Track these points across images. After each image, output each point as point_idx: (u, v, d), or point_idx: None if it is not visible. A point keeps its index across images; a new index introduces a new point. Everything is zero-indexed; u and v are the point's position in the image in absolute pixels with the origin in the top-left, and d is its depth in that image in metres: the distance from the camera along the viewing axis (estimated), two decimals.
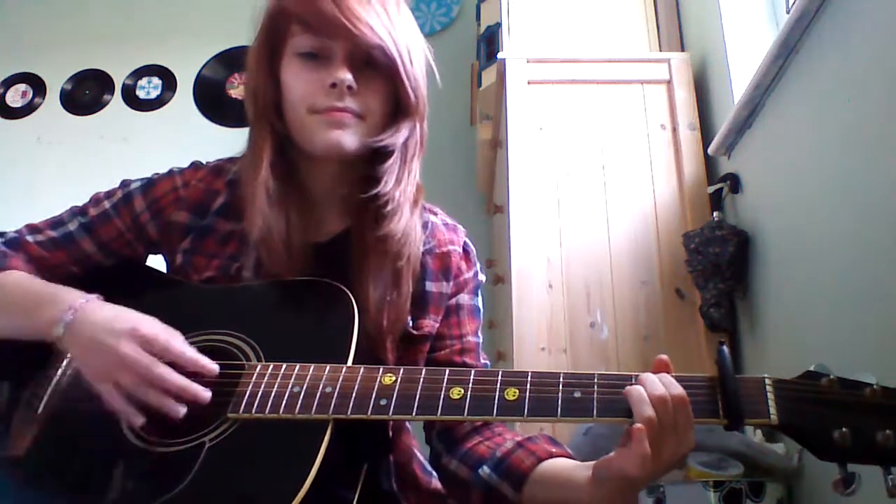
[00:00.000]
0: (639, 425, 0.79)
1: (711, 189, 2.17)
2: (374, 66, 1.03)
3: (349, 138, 1.03)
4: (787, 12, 2.01)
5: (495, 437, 1.05)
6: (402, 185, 1.07)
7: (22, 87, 3.85)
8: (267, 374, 0.91)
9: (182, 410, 0.88)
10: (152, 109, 3.75)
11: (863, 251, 1.47)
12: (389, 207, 1.05)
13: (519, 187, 2.28)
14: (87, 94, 3.80)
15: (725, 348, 0.82)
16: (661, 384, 0.81)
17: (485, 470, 0.99)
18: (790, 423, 0.78)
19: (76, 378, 0.94)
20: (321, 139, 1.03)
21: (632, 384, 0.83)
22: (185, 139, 3.57)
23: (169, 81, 3.78)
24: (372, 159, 1.06)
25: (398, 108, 1.07)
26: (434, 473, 1.11)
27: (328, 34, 1.01)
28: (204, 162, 1.16)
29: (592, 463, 0.87)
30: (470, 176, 3.26)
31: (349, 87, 1.01)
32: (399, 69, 1.04)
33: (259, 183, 1.03)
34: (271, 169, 1.05)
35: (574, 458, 0.98)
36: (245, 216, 1.04)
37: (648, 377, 0.83)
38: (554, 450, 0.98)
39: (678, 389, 0.80)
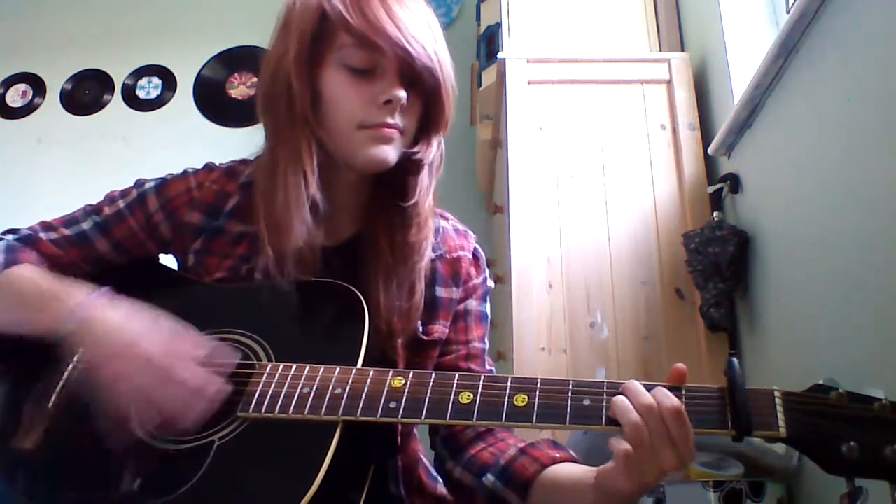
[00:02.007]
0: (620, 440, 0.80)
1: (711, 189, 2.17)
2: (420, 84, 1.03)
3: (393, 154, 1.04)
4: (787, 12, 2.02)
5: (499, 442, 1.05)
6: (429, 196, 1.09)
7: (22, 87, 3.85)
8: (277, 374, 0.91)
9: (196, 415, 0.88)
10: (152, 109, 3.75)
11: (863, 251, 1.47)
12: (420, 218, 1.06)
13: (519, 187, 2.28)
14: (87, 94, 3.81)
15: (735, 360, 0.82)
16: (651, 395, 0.81)
17: (489, 478, 1.00)
18: (798, 435, 0.78)
19: (87, 374, 0.94)
20: (366, 154, 1.02)
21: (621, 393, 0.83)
22: (185, 139, 3.57)
23: (169, 81, 3.78)
24: (393, 168, 1.06)
25: (428, 121, 1.08)
26: (440, 479, 1.11)
27: (384, 52, 1.00)
28: (217, 164, 1.16)
29: (596, 469, 0.88)
30: (470, 176, 3.26)
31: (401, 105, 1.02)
32: (442, 91, 1.05)
33: (308, 194, 1.01)
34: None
35: (578, 461, 0.98)
36: (273, 223, 1.02)
37: (634, 387, 0.82)
38: (557, 455, 0.98)
39: (673, 402, 0.80)
